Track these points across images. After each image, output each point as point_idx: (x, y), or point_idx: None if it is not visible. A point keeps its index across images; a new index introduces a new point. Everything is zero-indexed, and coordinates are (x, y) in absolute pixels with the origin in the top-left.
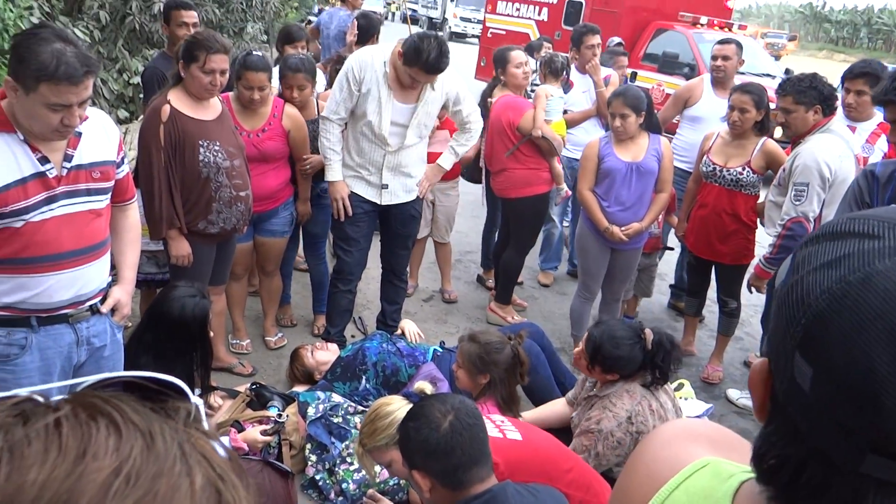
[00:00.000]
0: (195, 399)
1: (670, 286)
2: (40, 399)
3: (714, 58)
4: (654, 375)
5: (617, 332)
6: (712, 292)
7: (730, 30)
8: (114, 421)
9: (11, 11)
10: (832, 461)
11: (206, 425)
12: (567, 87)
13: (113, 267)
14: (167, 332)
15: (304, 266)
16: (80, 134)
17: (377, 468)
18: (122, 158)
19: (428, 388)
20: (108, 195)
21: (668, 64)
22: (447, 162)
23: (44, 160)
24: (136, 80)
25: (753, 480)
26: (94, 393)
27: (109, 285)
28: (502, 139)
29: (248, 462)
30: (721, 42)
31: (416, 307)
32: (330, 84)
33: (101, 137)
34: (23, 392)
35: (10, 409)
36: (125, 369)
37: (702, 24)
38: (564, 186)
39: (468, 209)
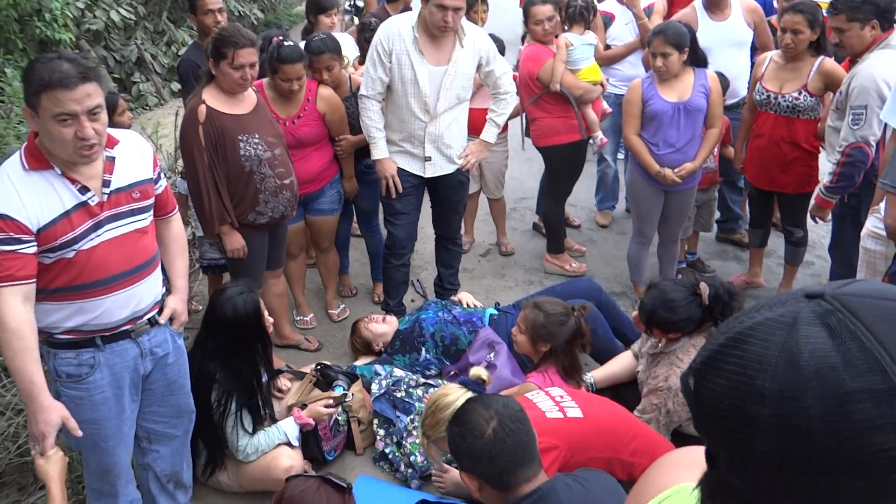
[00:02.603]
0: None
1: (717, 221)
2: None
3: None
4: (717, 327)
5: (670, 294)
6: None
7: None
8: None
9: (57, 1)
10: None
11: None
12: (609, 20)
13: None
14: (226, 334)
15: (360, 232)
16: (113, 158)
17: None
18: (159, 174)
19: (484, 375)
20: (151, 212)
21: None
22: (490, 135)
23: (84, 189)
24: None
25: None
26: None
27: (164, 296)
28: (527, 89)
29: (305, 481)
30: None
31: (474, 263)
32: (361, 52)
33: (135, 157)
34: None
35: None
36: (193, 378)
37: None
38: (599, 134)
39: (521, 153)
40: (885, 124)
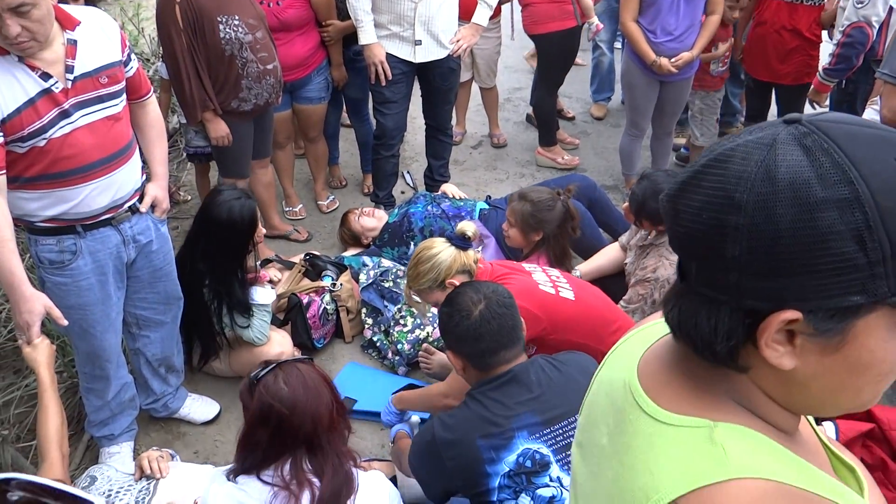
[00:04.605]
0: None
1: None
2: None
3: None
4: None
5: (661, 185)
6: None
7: None
8: None
9: None
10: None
11: None
12: None
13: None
14: (219, 236)
15: (349, 122)
16: (75, 42)
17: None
18: (129, 55)
19: (470, 229)
20: (123, 97)
21: None
22: (482, 18)
23: (45, 76)
24: None
25: None
26: None
27: (144, 183)
28: None
29: (289, 368)
30: None
31: (465, 155)
32: None
33: (101, 39)
34: None
35: None
36: (182, 275)
37: None
38: (595, 20)
39: (518, 41)
40: (891, 8)
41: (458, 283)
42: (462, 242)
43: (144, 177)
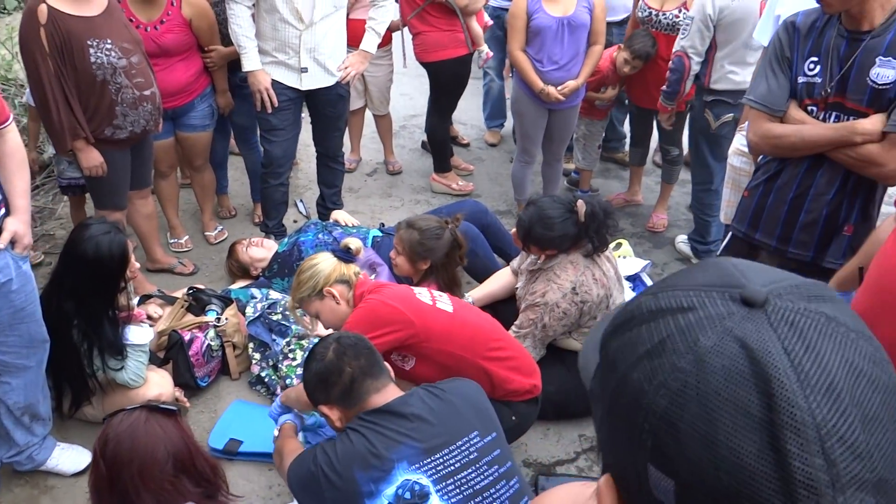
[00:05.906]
0: None
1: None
2: None
3: None
4: (593, 244)
5: (547, 211)
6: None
7: None
8: None
9: None
10: None
11: None
12: None
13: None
14: (86, 274)
15: (238, 151)
16: None
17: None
18: None
19: (353, 244)
20: None
21: None
22: (371, 45)
23: None
24: None
25: None
26: None
27: (3, 218)
28: (409, 2)
29: (129, 415)
30: None
31: (360, 182)
32: None
33: None
34: None
35: None
36: (48, 316)
37: None
38: (485, 48)
39: (413, 68)
40: (714, 42)
41: (336, 293)
42: (345, 255)
43: (3, 211)
